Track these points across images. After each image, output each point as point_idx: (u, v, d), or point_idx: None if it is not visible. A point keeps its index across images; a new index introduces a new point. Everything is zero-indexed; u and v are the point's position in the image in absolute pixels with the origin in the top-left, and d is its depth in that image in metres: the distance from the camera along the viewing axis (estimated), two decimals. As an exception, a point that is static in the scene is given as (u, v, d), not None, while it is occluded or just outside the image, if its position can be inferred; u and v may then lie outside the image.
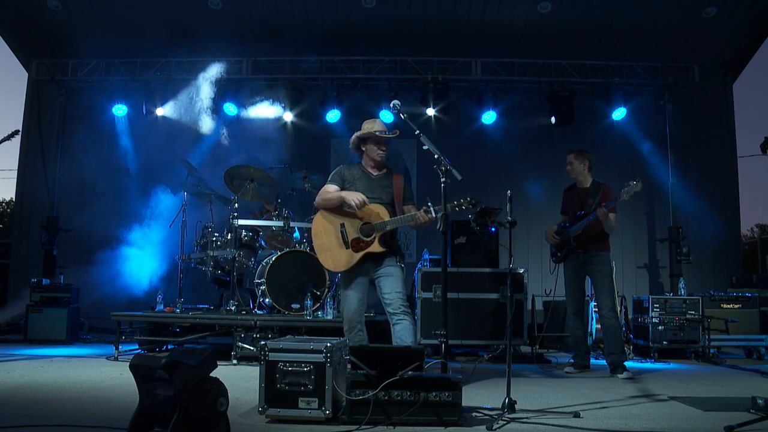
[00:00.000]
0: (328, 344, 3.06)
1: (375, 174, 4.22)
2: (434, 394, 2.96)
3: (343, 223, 4.06)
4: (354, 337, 4.05)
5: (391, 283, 4.02)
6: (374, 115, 8.81)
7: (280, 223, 6.24)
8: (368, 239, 4.00)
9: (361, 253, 4.00)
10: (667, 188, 8.75)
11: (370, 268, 4.09)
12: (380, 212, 4.02)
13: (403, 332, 3.94)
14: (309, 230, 6.35)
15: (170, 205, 7.48)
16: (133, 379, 2.44)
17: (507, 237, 3.46)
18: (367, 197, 4.04)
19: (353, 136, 4.27)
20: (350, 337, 4.04)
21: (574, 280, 5.29)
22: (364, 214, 4.01)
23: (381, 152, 4.20)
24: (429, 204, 3.79)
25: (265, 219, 6.55)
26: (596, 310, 5.40)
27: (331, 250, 4.06)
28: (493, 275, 6.12)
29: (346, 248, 4.02)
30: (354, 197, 3.96)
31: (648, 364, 5.89)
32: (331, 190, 4.13)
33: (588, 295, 5.65)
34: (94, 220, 8.61)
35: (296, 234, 6.38)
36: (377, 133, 4.14)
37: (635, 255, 9.01)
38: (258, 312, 5.92)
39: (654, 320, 6.20)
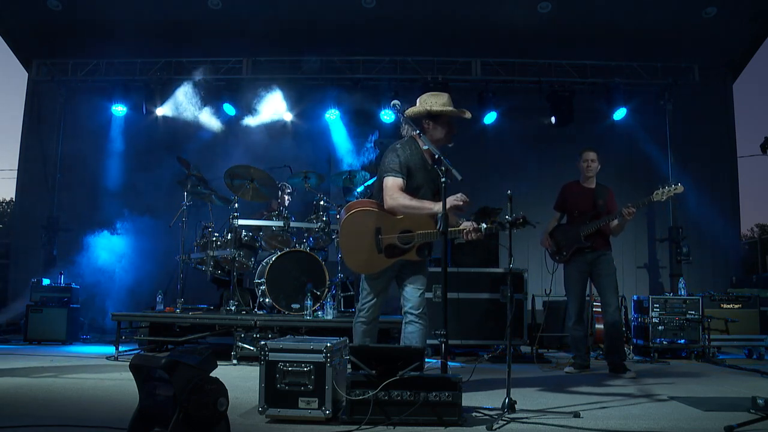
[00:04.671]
0: (328, 344, 3.06)
1: (430, 162, 3.66)
2: (434, 394, 2.95)
3: (380, 228, 3.69)
4: (366, 334, 3.85)
5: (415, 284, 3.81)
6: (375, 115, 8.83)
7: (280, 223, 6.25)
8: (405, 246, 3.71)
9: (394, 260, 3.73)
10: (667, 188, 8.74)
11: (398, 267, 3.84)
12: (428, 221, 3.63)
13: (413, 334, 3.75)
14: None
15: (170, 204, 7.49)
16: (133, 379, 2.44)
17: (507, 237, 3.45)
18: (425, 195, 3.74)
19: (421, 108, 3.73)
20: (363, 330, 3.84)
21: (579, 280, 5.26)
22: (407, 219, 3.68)
23: (451, 137, 3.76)
24: (483, 225, 3.51)
25: (265, 219, 6.55)
26: (597, 310, 5.39)
27: (360, 253, 3.73)
28: (493, 275, 6.12)
29: (378, 253, 3.70)
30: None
31: (648, 365, 5.88)
32: (405, 196, 3.62)
33: (588, 295, 5.64)
34: (94, 220, 8.60)
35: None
36: (458, 113, 3.70)
37: (635, 255, 9.00)
38: (258, 312, 5.92)
39: (654, 320, 6.20)
